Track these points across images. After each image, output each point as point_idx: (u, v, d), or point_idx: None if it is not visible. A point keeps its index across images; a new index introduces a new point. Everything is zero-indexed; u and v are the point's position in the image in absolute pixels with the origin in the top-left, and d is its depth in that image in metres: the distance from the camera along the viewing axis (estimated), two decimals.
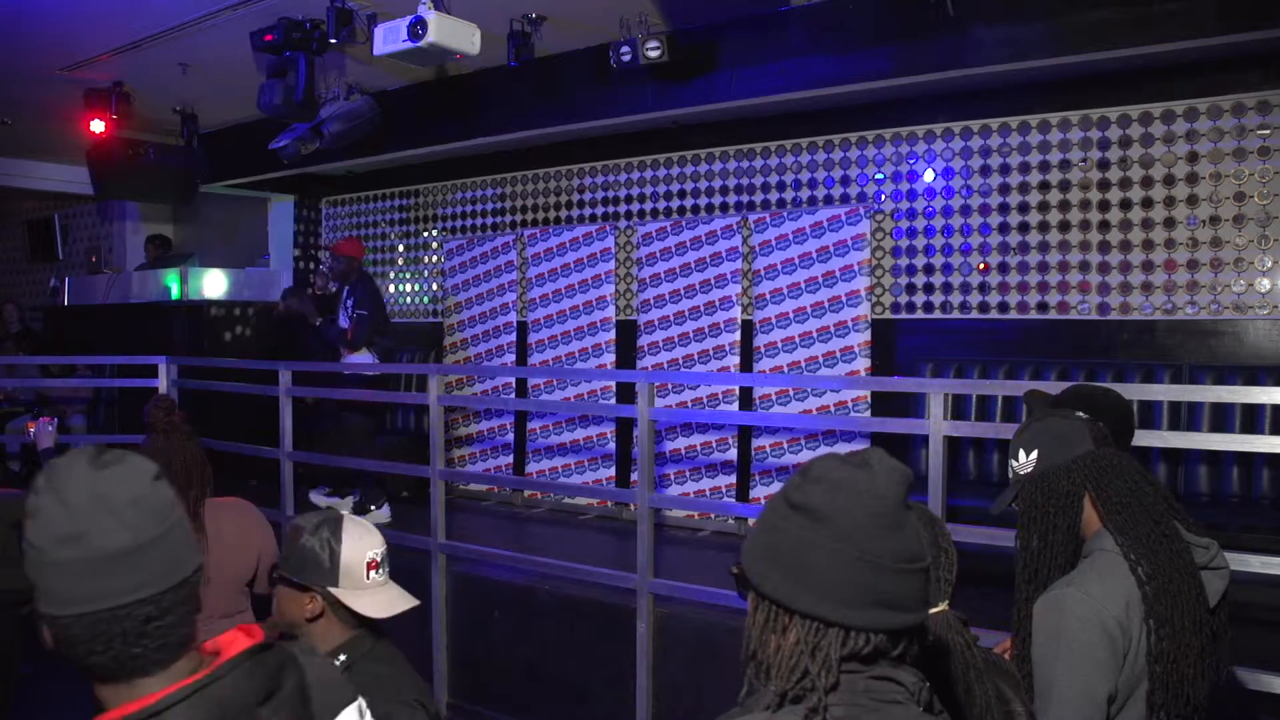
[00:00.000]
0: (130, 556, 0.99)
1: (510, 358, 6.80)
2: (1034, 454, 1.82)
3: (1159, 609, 1.66)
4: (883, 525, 1.04)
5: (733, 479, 5.73)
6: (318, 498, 5.91)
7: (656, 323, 6.10)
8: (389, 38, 4.42)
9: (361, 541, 1.88)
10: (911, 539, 1.06)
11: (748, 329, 5.77)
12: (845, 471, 1.07)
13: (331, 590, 1.84)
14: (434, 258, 7.60)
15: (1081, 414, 1.89)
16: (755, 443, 5.64)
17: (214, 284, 7.77)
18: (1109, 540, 1.74)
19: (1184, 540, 1.75)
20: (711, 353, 5.90)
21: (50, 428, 3.59)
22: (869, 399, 5.30)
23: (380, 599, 1.88)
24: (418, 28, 4.28)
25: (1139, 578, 1.67)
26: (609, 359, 6.29)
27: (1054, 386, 2.68)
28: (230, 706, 1.01)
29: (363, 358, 5.81)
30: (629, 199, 6.49)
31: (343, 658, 1.82)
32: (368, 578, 1.87)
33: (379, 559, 1.90)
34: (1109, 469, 1.78)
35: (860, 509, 1.05)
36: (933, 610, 1.36)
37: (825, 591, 1.04)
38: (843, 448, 5.37)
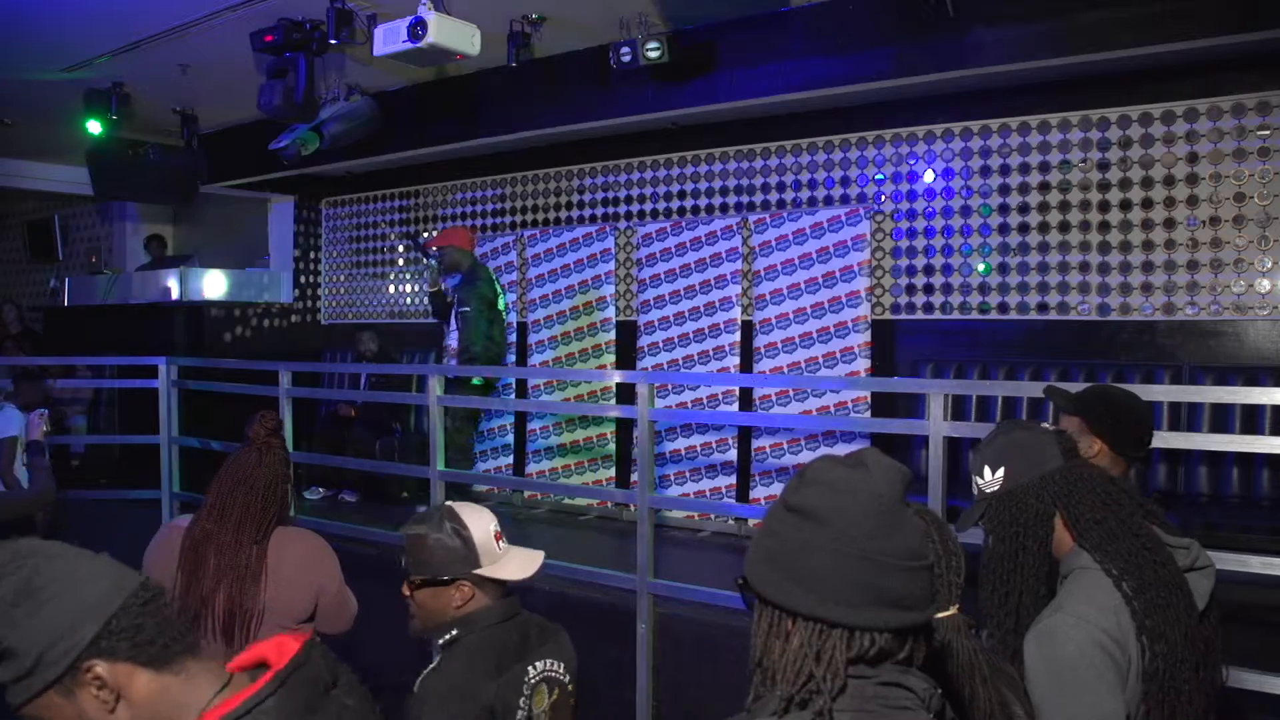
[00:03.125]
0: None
1: (510, 358, 6.80)
2: (1000, 471, 1.76)
3: (1150, 624, 1.60)
4: (881, 524, 1.04)
5: (733, 480, 5.73)
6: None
7: (656, 323, 6.10)
8: (389, 38, 4.42)
9: (481, 518, 2.03)
10: (911, 536, 1.05)
11: (748, 330, 5.77)
12: (841, 472, 1.07)
13: (477, 571, 1.98)
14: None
15: (1047, 425, 1.82)
16: (755, 443, 5.64)
17: (214, 284, 7.77)
18: (1086, 557, 1.68)
19: (1166, 550, 1.70)
20: (711, 353, 5.90)
21: (40, 421, 3.53)
22: (869, 399, 5.30)
23: (518, 562, 2.05)
24: (418, 28, 4.28)
25: (1124, 593, 1.61)
26: (609, 359, 6.29)
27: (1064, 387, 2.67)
28: None
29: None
30: (629, 199, 6.49)
31: (456, 631, 1.98)
32: (499, 548, 2.03)
33: (499, 528, 2.05)
34: (1079, 484, 1.72)
35: (857, 508, 1.04)
36: (942, 614, 1.35)
37: (826, 592, 1.03)
38: (843, 448, 5.36)
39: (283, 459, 2.62)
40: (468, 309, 5.10)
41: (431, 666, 1.99)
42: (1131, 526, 1.69)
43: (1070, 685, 1.56)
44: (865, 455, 1.09)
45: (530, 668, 1.98)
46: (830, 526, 1.04)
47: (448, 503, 2.07)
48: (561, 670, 2.05)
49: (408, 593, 2.02)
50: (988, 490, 1.78)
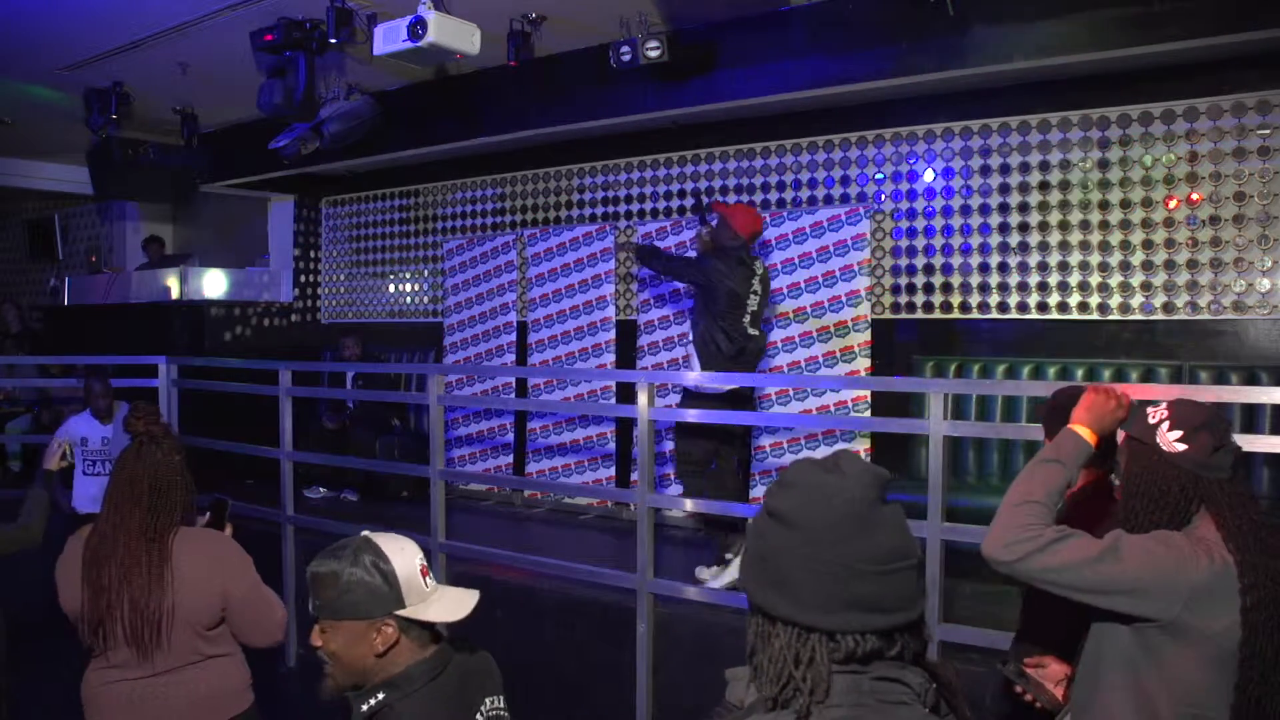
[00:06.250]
0: None
1: (510, 358, 6.81)
2: (1184, 446, 1.84)
3: (1256, 639, 1.70)
4: (852, 528, 1.03)
5: None
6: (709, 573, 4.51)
7: (657, 322, 6.10)
8: (389, 38, 4.42)
9: (405, 551, 1.71)
10: (886, 540, 1.05)
11: None
12: (814, 476, 1.07)
13: (400, 613, 1.67)
14: (434, 257, 7.60)
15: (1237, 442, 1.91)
16: (755, 443, 5.64)
17: (214, 284, 7.78)
18: (1214, 533, 1.78)
19: None
20: None
21: (56, 449, 3.18)
22: (869, 399, 5.30)
23: (447, 602, 1.74)
24: (418, 28, 4.28)
25: (1245, 605, 1.71)
26: (609, 359, 6.29)
27: (1055, 387, 2.68)
28: None
29: (696, 370, 4.55)
30: (629, 199, 6.49)
31: (382, 695, 1.66)
32: (426, 585, 1.72)
33: (425, 563, 1.75)
34: (1233, 497, 1.81)
35: (828, 513, 1.04)
36: None
37: (801, 597, 1.04)
38: (842, 447, 5.36)
39: (168, 449, 2.44)
40: (716, 264, 4.44)
41: None
42: (1270, 547, 1.78)
43: (1126, 554, 1.74)
44: (840, 458, 1.09)
45: (478, 716, 1.74)
46: (802, 531, 1.05)
47: (365, 533, 1.73)
48: (502, 705, 1.80)
49: (318, 642, 1.67)
50: (1159, 442, 1.86)
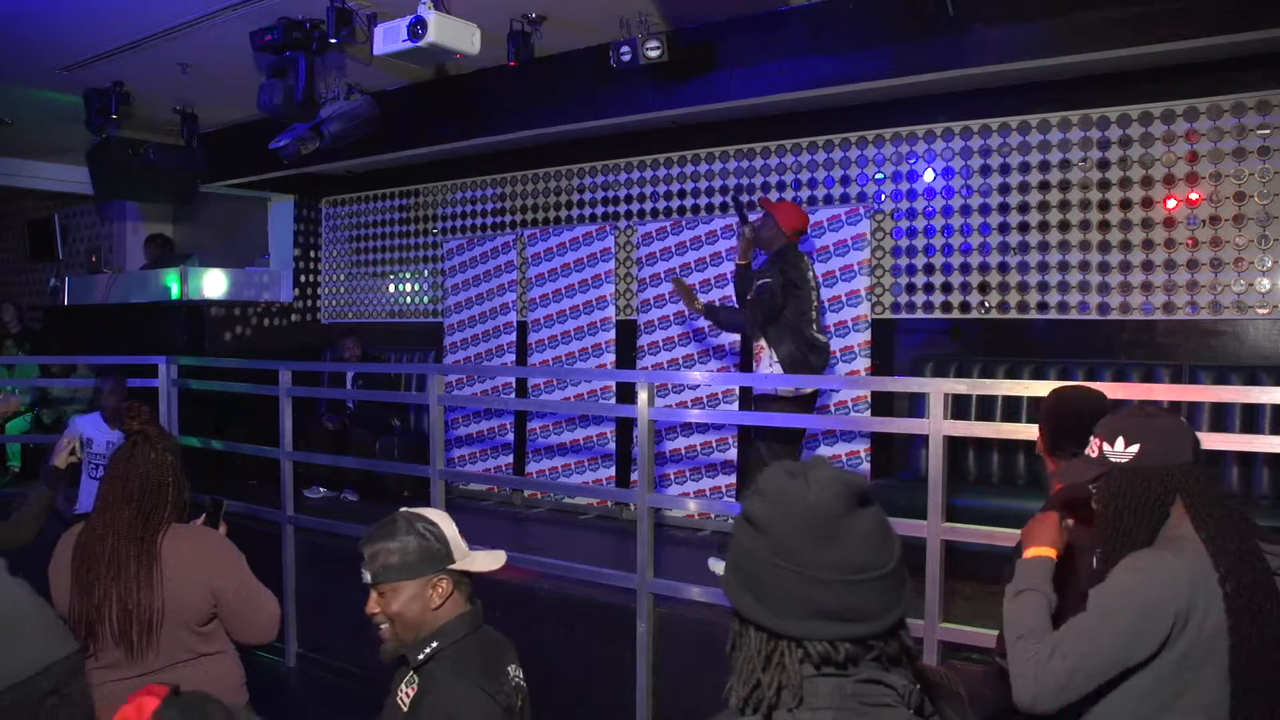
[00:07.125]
0: None
1: (510, 358, 6.81)
2: (1135, 446, 1.82)
3: (1241, 626, 1.69)
4: (815, 538, 1.02)
5: (733, 479, 5.73)
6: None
7: (656, 323, 6.10)
8: (389, 38, 4.42)
9: (444, 517, 1.98)
10: (853, 550, 1.03)
11: None
12: (782, 483, 1.06)
13: (452, 567, 1.92)
14: (434, 257, 7.60)
15: (1184, 420, 1.90)
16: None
17: (214, 284, 7.78)
18: (1187, 528, 1.77)
19: (1265, 557, 1.77)
20: (712, 352, 5.90)
21: (65, 445, 3.12)
22: (869, 399, 5.30)
23: (486, 558, 2.01)
24: (418, 28, 4.28)
25: (1225, 590, 1.70)
26: (609, 359, 6.29)
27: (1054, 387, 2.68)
28: None
29: (770, 367, 4.37)
30: (629, 198, 6.49)
31: (435, 643, 1.88)
32: (464, 545, 1.98)
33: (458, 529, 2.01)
34: (1204, 481, 1.81)
35: (791, 521, 1.03)
36: None
37: (769, 603, 1.04)
38: (842, 447, 5.37)
39: (161, 449, 2.45)
40: (767, 279, 4.30)
41: (425, 681, 1.87)
42: (1240, 530, 1.77)
43: (1111, 607, 1.73)
44: (809, 465, 1.07)
45: (507, 672, 1.94)
46: (768, 538, 1.04)
47: (403, 509, 1.97)
48: (522, 677, 2.00)
49: (377, 609, 1.90)
50: (1113, 459, 1.85)
